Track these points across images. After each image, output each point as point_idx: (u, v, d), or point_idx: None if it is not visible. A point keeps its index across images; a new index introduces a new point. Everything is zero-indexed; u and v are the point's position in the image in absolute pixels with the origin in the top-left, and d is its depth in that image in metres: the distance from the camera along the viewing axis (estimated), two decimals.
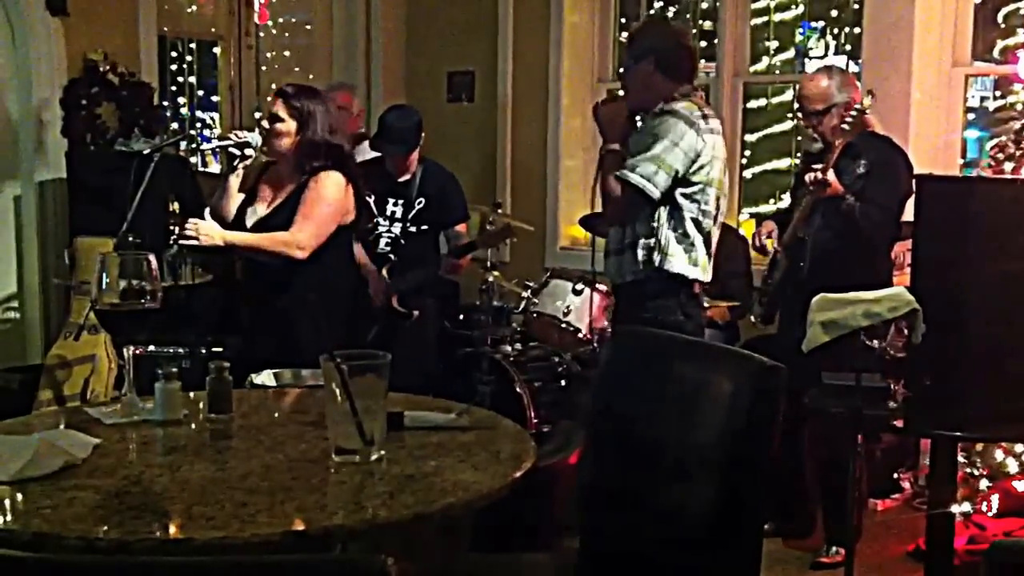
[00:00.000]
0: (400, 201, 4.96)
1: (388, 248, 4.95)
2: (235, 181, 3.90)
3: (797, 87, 4.36)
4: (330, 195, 3.78)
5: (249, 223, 3.87)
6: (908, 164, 4.19)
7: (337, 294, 3.91)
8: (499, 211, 5.39)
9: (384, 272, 4.86)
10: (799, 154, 4.44)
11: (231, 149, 3.83)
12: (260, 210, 3.89)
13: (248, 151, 3.82)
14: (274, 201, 3.87)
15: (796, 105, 4.30)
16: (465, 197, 5.18)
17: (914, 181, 3.23)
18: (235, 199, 3.92)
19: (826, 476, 4.23)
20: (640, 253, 3.63)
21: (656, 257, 3.60)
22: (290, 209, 3.78)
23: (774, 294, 4.27)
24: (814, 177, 3.98)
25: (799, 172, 4.41)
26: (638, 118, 3.83)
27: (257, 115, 7.00)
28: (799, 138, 4.22)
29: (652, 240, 3.61)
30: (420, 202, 4.96)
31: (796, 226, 4.19)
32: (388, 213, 4.95)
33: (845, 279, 4.02)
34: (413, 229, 4.95)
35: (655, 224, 3.61)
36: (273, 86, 6.95)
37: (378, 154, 5.06)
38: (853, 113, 3.97)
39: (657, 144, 3.54)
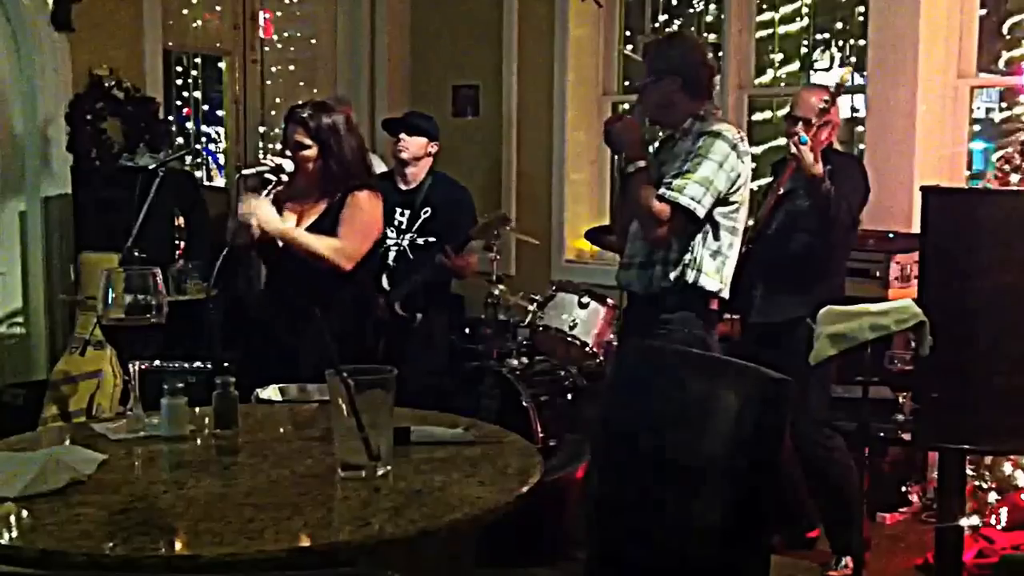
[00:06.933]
0: (406, 211, 4.94)
1: (395, 263, 4.92)
2: None
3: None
4: (370, 212, 3.82)
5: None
6: (864, 174, 4.37)
7: (369, 311, 3.93)
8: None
9: (384, 281, 4.83)
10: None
11: (267, 175, 3.78)
12: None
13: (284, 176, 3.77)
14: (302, 220, 3.84)
15: (788, 109, 4.47)
16: (476, 215, 5.07)
17: (920, 193, 3.23)
18: None
19: (822, 488, 4.23)
20: (674, 269, 3.62)
21: (691, 274, 3.59)
22: (327, 227, 3.78)
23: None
24: (798, 138, 4.10)
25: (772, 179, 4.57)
26: (660, 132, 3.85)
27: (266, 143, 7.02)
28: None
29: (688, 256, 3.60)
30: (426, 212, 4.93)
31: (763, 214, 4.34)
32: (395, 224, 4.91)
33: (797, 270, 4.12)
34: (420, 241, 4.92)
35: (693, 242, 3.61)
36: (277, 100, 6.98)
37: (385, 169, 5.06)
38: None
39: (704, 166, 3.53)
